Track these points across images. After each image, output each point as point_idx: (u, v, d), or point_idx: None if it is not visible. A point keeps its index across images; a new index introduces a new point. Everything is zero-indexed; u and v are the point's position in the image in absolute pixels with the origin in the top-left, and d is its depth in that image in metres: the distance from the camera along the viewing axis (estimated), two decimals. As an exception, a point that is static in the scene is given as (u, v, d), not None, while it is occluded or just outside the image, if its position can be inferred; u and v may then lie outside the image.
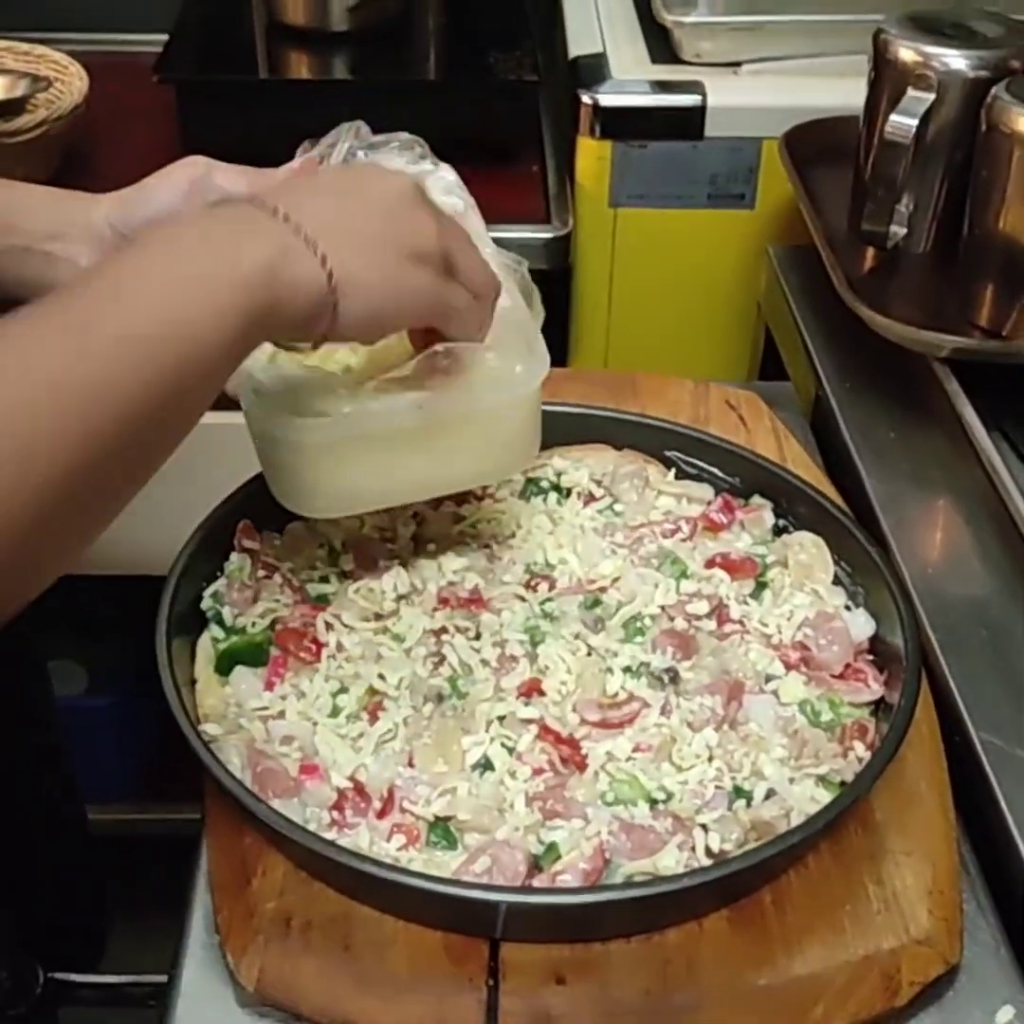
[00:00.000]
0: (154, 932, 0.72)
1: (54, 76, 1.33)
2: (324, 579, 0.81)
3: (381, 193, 0.68)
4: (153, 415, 0.57)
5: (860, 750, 0.73)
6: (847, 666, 0.78)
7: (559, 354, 1.42)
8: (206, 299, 0.59)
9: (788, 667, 0.77)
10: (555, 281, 1.34)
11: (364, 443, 0.71)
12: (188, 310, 0.58)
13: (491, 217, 1.35)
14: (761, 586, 0.83)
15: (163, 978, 0.67)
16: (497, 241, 1.28)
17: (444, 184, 0.73)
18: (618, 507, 0.88)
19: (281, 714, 0.73)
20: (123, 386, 0.55)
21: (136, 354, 0.56)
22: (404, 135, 0.75)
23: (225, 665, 0.76)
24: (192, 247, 0.61)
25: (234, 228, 0.62)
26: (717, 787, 0.70)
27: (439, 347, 0.69)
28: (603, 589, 0.82)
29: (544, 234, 1.29)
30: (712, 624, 0.80)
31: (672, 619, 0.80)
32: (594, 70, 1.33)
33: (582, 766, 0.71)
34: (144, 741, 1.60)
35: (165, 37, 1.38)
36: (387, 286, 0.65)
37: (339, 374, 0.73)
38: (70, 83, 1.31)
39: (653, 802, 0.69)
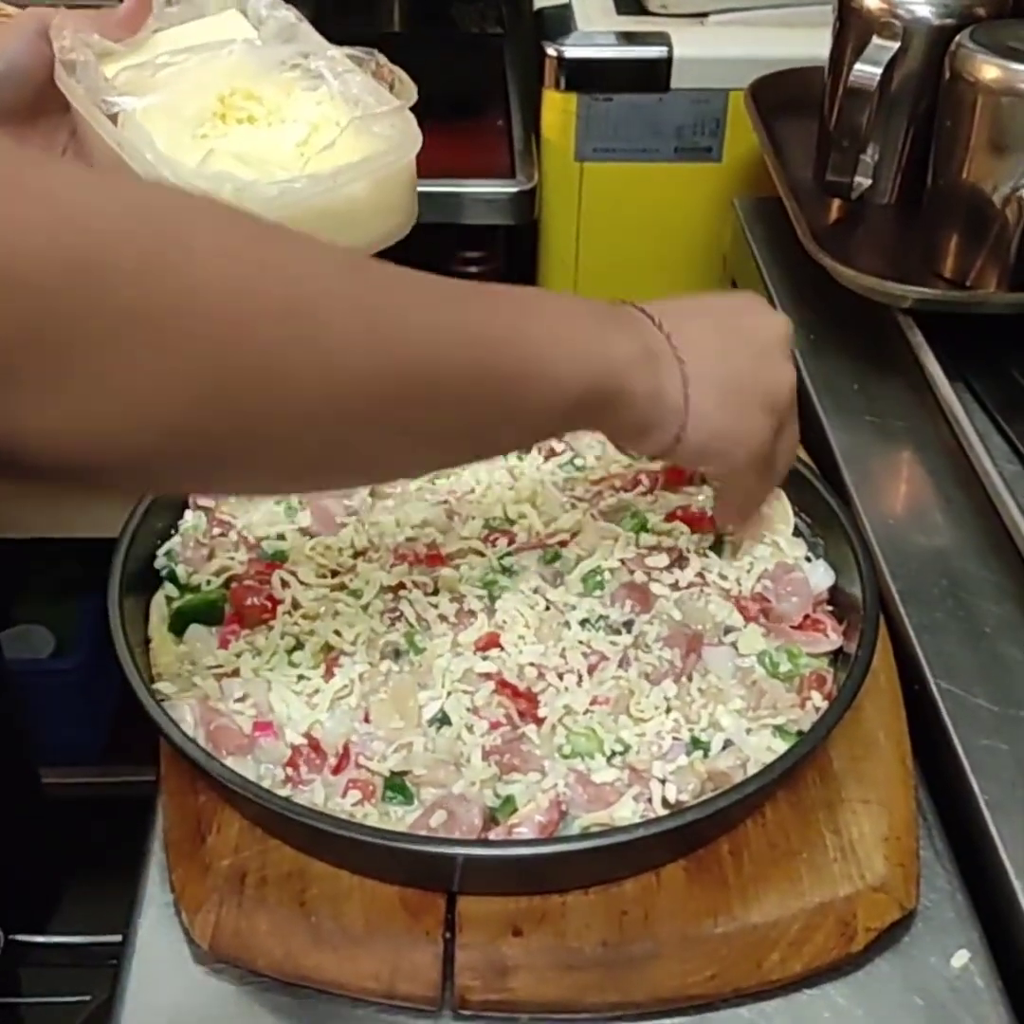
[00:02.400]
0: (113, 892, 0.72)
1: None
2: (280, 536, 0.80)
3: (758, 333, 0.69)
4: (458, 406, 0.56)
5: (818, 700, 0.72)
6: (806, 617, 0.77)
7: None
8: (563, 352, 0.59)
9: (747, 619, 0.77)
10: (521, 235, 1.33)
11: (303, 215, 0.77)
12: (543, 348, 0.58)
13: (456, 171, 1.34)
14: (721, 539, 0.83)
15: (122, 937, 0.67)
16: (462, 196, 1.28)
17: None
18: (579, 461, 0.88)
19: (236, 672, 0.73)
20: (444, 361, 0.54)
21: (475, 345, 0.55)
22: None
23: (179, 623, 0.75)
24: (578, 312, 0.62)
25: (620, 319, 0.63)
26: (674, 739, 0.70)
27: None
28: (563, 543, 0.81)
29: (510, 188, 1.27)
30: (672, 577, 0.79)
31: (631, 572, 0.79)
32: (559, 22, 1.32)
33: (539, 720, 0.71)
34: (109, 702, 1.60)
35: (122, -10, 1.35)
36: (730, 429, 0.66)
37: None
38: (25, 38, 1.29)
39: (610, 754, 0.69)
